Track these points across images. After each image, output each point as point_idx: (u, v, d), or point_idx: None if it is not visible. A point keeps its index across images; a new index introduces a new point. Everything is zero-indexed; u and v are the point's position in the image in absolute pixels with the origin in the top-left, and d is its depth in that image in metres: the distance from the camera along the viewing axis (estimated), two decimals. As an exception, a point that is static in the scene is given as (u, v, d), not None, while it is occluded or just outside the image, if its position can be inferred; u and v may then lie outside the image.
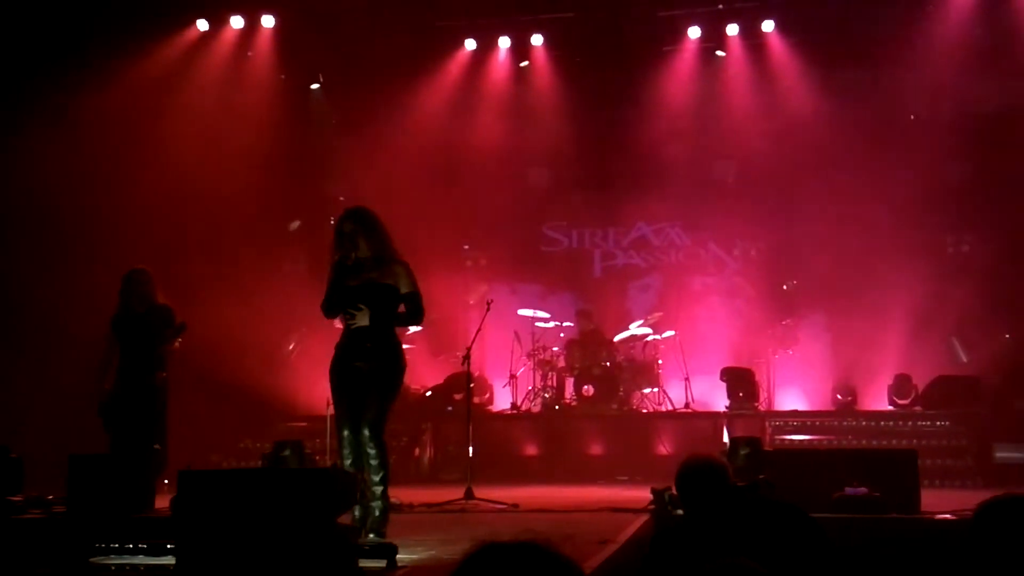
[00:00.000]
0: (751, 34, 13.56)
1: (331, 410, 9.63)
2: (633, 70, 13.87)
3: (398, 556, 5.61)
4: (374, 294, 6.41)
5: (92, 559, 5.84)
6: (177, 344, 8.39)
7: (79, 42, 11.65)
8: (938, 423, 11.45)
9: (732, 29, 13.52)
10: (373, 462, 6.32)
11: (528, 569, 2.02)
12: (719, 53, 13.75)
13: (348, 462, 6.34)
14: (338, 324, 6.73)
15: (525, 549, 2.04)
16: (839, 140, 13.17)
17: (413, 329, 6.63)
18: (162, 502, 7.35)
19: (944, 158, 12.90)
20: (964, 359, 12.83)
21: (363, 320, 6.37)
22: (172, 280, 9.04)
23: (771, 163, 13.72)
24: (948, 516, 7.32)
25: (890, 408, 12.10)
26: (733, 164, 14.25)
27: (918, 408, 11.88)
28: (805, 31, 13.34)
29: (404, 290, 6.46)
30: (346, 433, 6.39)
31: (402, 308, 6.51)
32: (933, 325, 12.59)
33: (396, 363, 6.48)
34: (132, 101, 12.34)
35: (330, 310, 6.54)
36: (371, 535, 6.20)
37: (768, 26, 13.41)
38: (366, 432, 6.32)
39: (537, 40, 13.91)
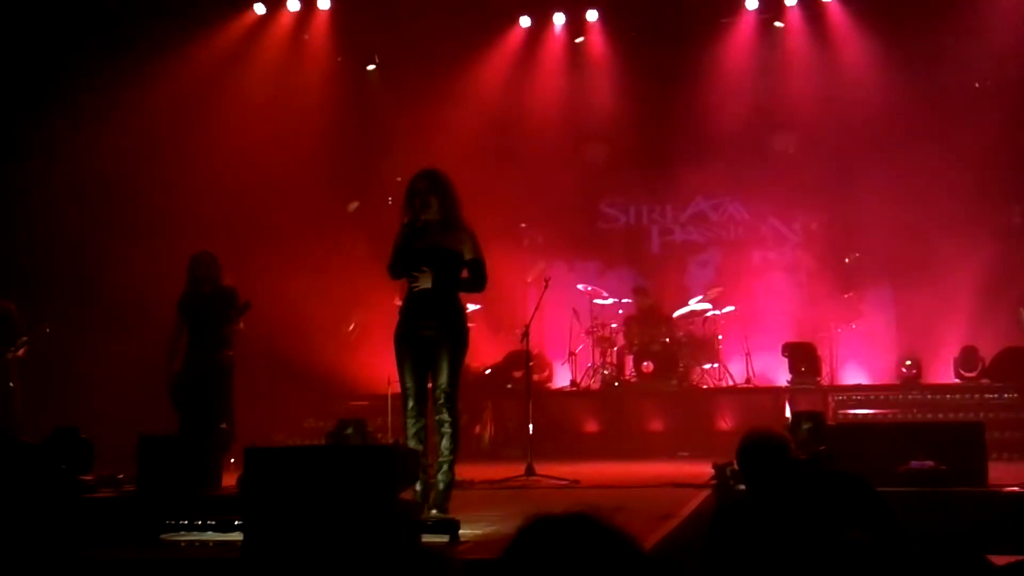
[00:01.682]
0: (810, 3, 13.36)
1: (392, 389, 9.76)
2: (689, 43, 13.73)
3: (460, 531, 5.66)
4: (439, 258, 6.41)
5: (162, 536, 5.97)
6: (242, 324, 8.56)
7: (142, 27, 11.83)
8: (1005, 395, 11.28)
9: (791, -1, 13.34)
10: (447, 429, 6.36)
11: (581, 541, 2.03)
12: (777, 24, 13.55)
13: (412, 433, 6.38)
14: (397, 301, 6.78)
15: (577, 521, 2.05)
16: (901, 110, 12.95)
17: (472, 308, 6.64)
18: (229, 480, 7.49)
19: (1009, 126, 12.64)
20: (1032, 330, 12.59)
21: (426, 283, 6.38)
22: (234, 261, 9.18)
23: (831, 135, 13.53)
24: (1016, 489, 7.22)
25: (956, 381, 11.92)
26: (793, 136, 14.06)
27: (985, 380, 11.69)
28: (866, -1, 13.11)
29: (468, 256, 6.46)
30: (411, 404, 6.42)
31: (465, 274, 6.54)
32: (999, 296, 12.38)
33: (460, 326, 6.48)
34: (193, 84, 12.52)
35: (396, 271, 6.53)
36: (433, 510, 6.26)
37: (829, -6, 13.19)
38: (441, 401, 6.36)
39: (592, 15, 13.83)
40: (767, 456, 4.23)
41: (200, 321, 8.45)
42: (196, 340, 8.46)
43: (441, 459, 6.42)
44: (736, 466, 7.65)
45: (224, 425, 8.29)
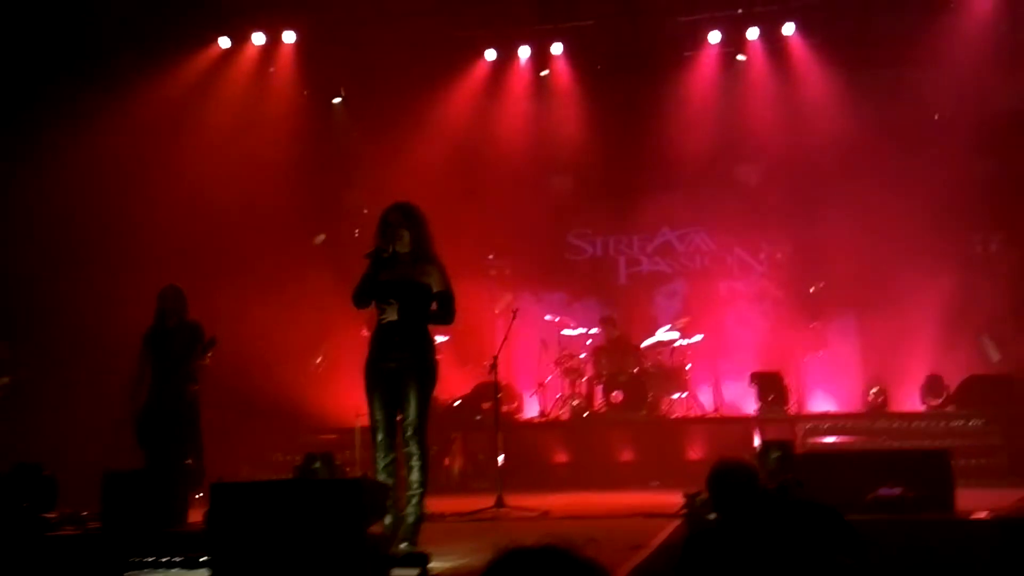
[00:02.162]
0: (772, 38, 13.52)
1: (360, 422, 9.71)
2: (654, 76, 13.87)
3: (430, 565, 5.62)
4: (406, 290, 6.43)
5: (127, 574, 5.88)
6: (208, 359, 8.53)
7: (104, 61, 11.77)
8: (971, 422, 11.36)
9: (752, 33, 13.49)
10: (415, 463, 6.35)
11: (552, 573, 2.02)
12: (740, 57, 13.72)
13: (383, 465, 6.35)
14: (364, 332, 6.77)
15: (548, 553, 2.05)
16: (863, 141, 13.11)
17: (440, 340, 6.67)
18: (196, 516, 7.40)
19: (969, 157, 12.82)
20: (995, 358, 12.73)
21: (392, 315, 6.40)
22: (199, 295, 9.12)
23: (795, 165, 13.68)
24: (983, 516, 7.26)
25: (922, 408, 12.01)
26: (757, 167, 14.21)
27: (950, 408, 11.79)
28: (826, 33, 13.30)
29: (436, 288, 6.50)
30: (380, 437, 6.41)
31: (434, 306, 6.54)
32: (963, 324, 12.52)
33: (428, 358, 6.50)
34: (157, 118, 12.46)
35: (360, 300, 6.54)
36: (403, 543, 6.22)
37: (788, 29, 13.37)
38: (409, 434, 6.35)
39: (557, 48, 13.92)
40: (736, 485, 4.25)
41: (164, 355, 8.47)
42: (160, 374, 8.48)
43: (410, 492, 6.40)
44: (706, 495, 7.69)
45: (191, 461, 8.21)
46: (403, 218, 6.52)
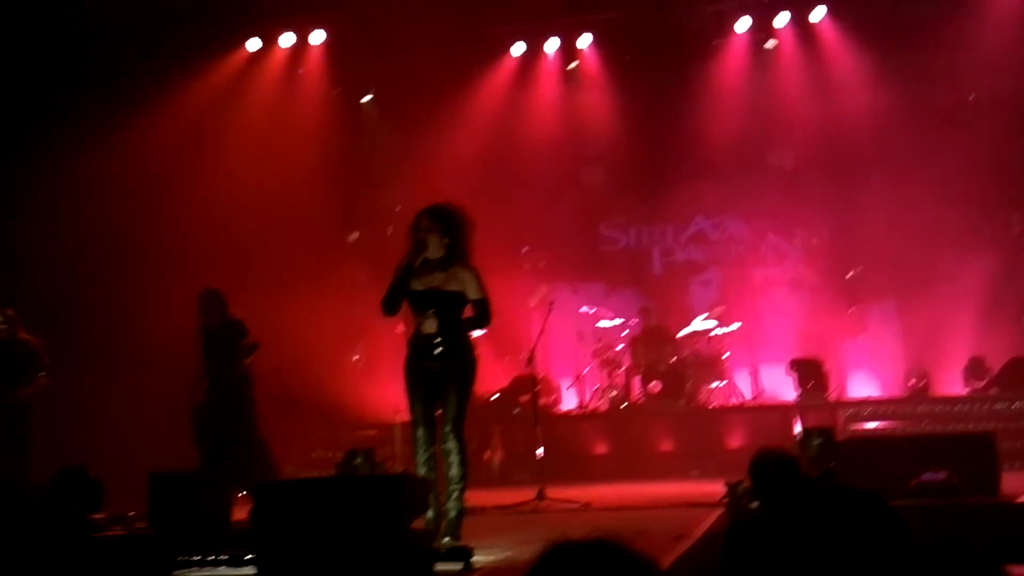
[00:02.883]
0: (801, 23, 13.40)
1: (400, 417, 9.77)
2: (683, 65, 13.79)
3: (473, 559, 5.64)
4: (442, 301, 6.42)
5: (174, 572, 5.94)
6: (247, 362, 8.66)
7: (135, 66, 11.88)
8: (1015, 404, 11.23)
9: (782, 19, 13.39)
10: (454, 458, 6.37)
11: (602, 567, 2.02)
12: (770, 44, 13.61)
13: (422, 461, 6.39)
14: (399, 329, 6.79)
15: (597, 547, 2.04)
16: (897, 124, 12.99)
17: (477, 333, 6.67)
18: (242, 514, 7.47)
19: (1006, 137, 12.66)
20: (1038, 338, 12.57)
21: (431, 327, 6.39)
22: (236, 296, 9.21)
23: (828, 150, 13.57)
24: (1030, 498, 7.19)
25: (965, 392, 11.90)
26: (789, 153, 14.10)
27: (993, 390, 11.66)
28: (856, 16, 13.15)
29: (472, 296, 6.47)
30: (420, 432, 6.44)
31: (469, 311, 6.54)
32: (1004, 305, 12.38)
33: (469, 360, 6.51)
34: (189, 121, 12.55)
35: (389, 308, 6.51)
36: (446, 538, 6.25)
37: (818, 14, 13.24)
38: (448, 429, 6.37)
39: (585, 41, 13.89)
40: (778, 474, 4.23)
41: (210, 355, 8.66)
42: (209, 374, 8.68)
43: (451, 487, 6.42)
44: (748, 484, 7.65)
45: (239, 459, 8.33)
46: (433, 222, 6.42)
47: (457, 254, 6.46)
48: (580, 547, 2.05)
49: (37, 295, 10.95)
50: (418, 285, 6.45)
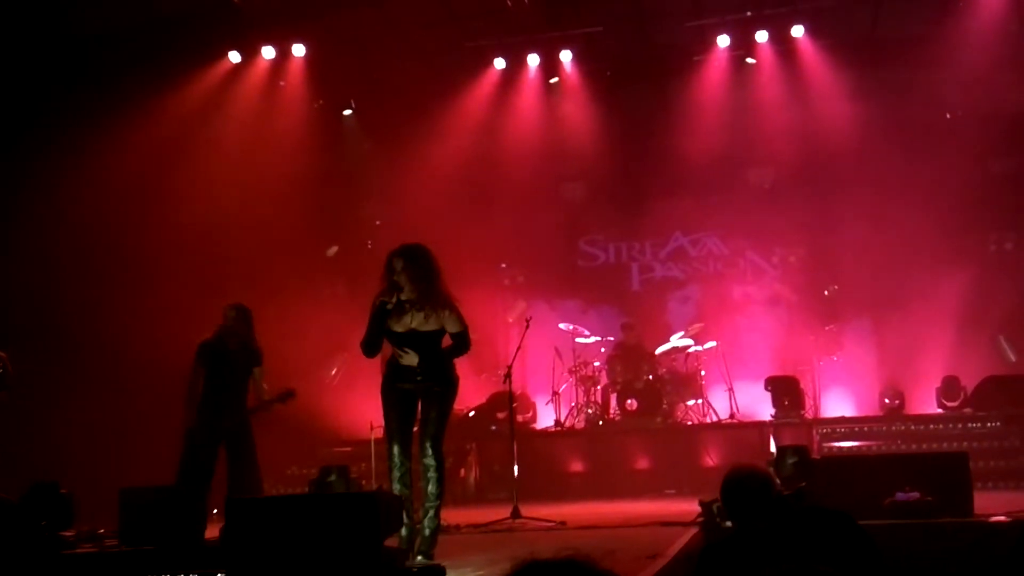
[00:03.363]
0: (781, 40, 13.48)
1: (375, 434, 9.72)
2: (664, 81, 13.87)
3: (446, 577, 5.62)
4: (420, 341, 6.47)
5: (144, 590, 5.90)
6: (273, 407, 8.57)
7: (115, 77, 11.83)
8: (988, 424, 11.27)
9: (762, 36, 13.46)
10: (432, 474, 6.37)
11: None
12: (749, 60, 13.69)
13: (397, 478, 6.37)
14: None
15: (566, 566, 2.04)
16: (875, 142, 13.08)
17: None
18: (213, 532, 7.41)
19: (982, 155, 12.80)
20: (1012, 358, 12.67)
21: (411, 361, 6.45)
22: (213, 309, 9.13)
23: (807, 168, 13.66)
24: (1002, 518, 7.21)
25: (939, 411, 11.94)
26: (769, 171, 14.18)
27: (968, 410, 11.71)
28: (835, 35, 13.26)
29: (451, 330, 6.53)
30: (396, 450, 6.42)
31: (447, 341, 6.56)
32: (980, 325, 12.47)
33: (449, 381, 6.54)
34: (169, 133, 12.51)
35: (369, 350, 6.57)
36: (419, 556, 6.22)
37: (798, 31, 13.32)
38: (428, 444, 6.37)
39: (566, 56, 13.93)
40: (750, 493, 4.22)
41: (225, 377, 8.33)
42: (220, 395, 8.32)
43: (427, 504, 6.41)
44: (722, 503, 7.65)
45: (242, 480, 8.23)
46: (405, 265, 6.45)
47: (431, 293, 6.49)
48: (550, 566, 2.04)
49: (11, 307, 10.88)
50: (397, 327, 6.49)
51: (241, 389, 8.46)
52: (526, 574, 2.05)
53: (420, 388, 6.46)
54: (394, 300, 6.43)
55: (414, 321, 6.48)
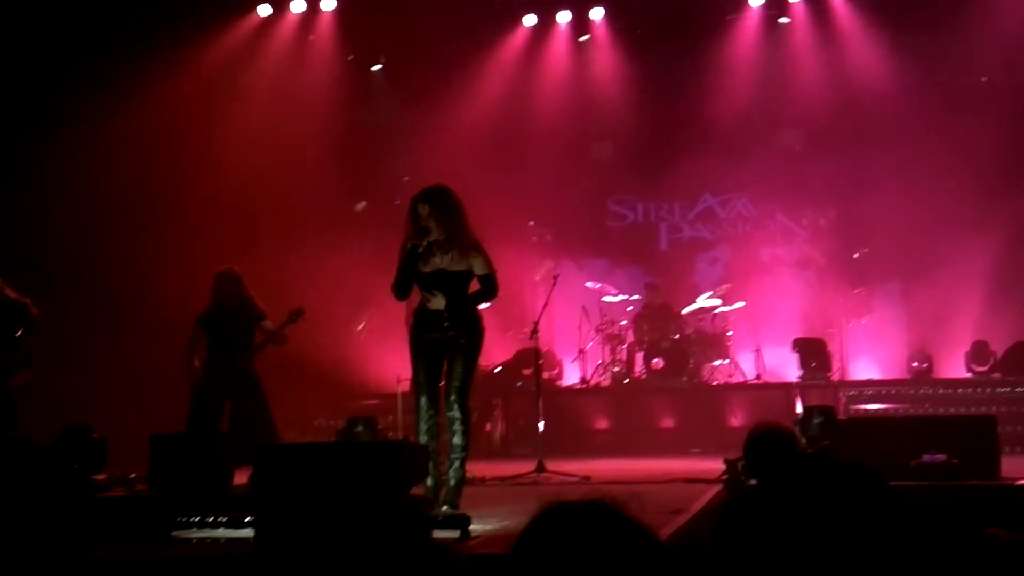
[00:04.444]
0: (815, -1, 13.33)
1: (402, 387, 9.78)
2: (695, 40, 13.71)
3: (471, 527, 5.67)
4: (449, 281, 6.47)
5: (174, 533, 5.98)
6: (287, 330, 8.73)
7: (145, 30, 11.85)
8: (1017, 389, 11.22)
9: (797, -6, 13.31)
10: (458, 427, 6.42)
11: (596, 528, 2.02)
12: (783, 20, 13.53)
13: (424, 430, 6.42)
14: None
15: (593, 508, 2.05)
16: (909, 105, 12.91)
17: (484, 305, 6.72)
18: (242, 478, 7.51)
19: (1017, 120, 12.58)
20: (1044, 323, 12.55)
21: (438, 304, 6.47)
22: (243, 262, 9.22)
23: (839, 130, 13.51)
24: (1029, 482, 7.20)
25: (968, 375, 11.88)
26: (800, 132, 14.03)
27: (996, 375, 11.65)
28: (871, -7, 13.08)
29: (479, 272, 6.53)
30: (423, 401, 6.47)
31: (475, 285, 6.57)
32: (1010, 289, 12.35)
33: (476, 331, 6.55)
34: (198, 87, 12.55)
35: (400, 292, 6.62)
36: (445, 506, 6.28)
37: (833, -11, 13.16)
38: (453, 398, 6.41)
39: (597, 13, 13.81)
40: (772, 449, 4.24)
41: (226, 336, 8.65)
42: (223, 354, 8.64)
43: (453, 456, 6.46)
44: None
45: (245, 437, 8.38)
46: (431, 210, 6.44)
47: (458, 234, 6.49)
48: (576, 508, 2.05)
49: (47, 257, 11.00)
50: (425, 267, 6.50)
51: (243, 344, 8.73)
52: (552, 516, 2.06)
53: (447, 338, 6.47)
54: (424, 244, 6.43)
55: (442, 262, 6.48)
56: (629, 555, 2.00)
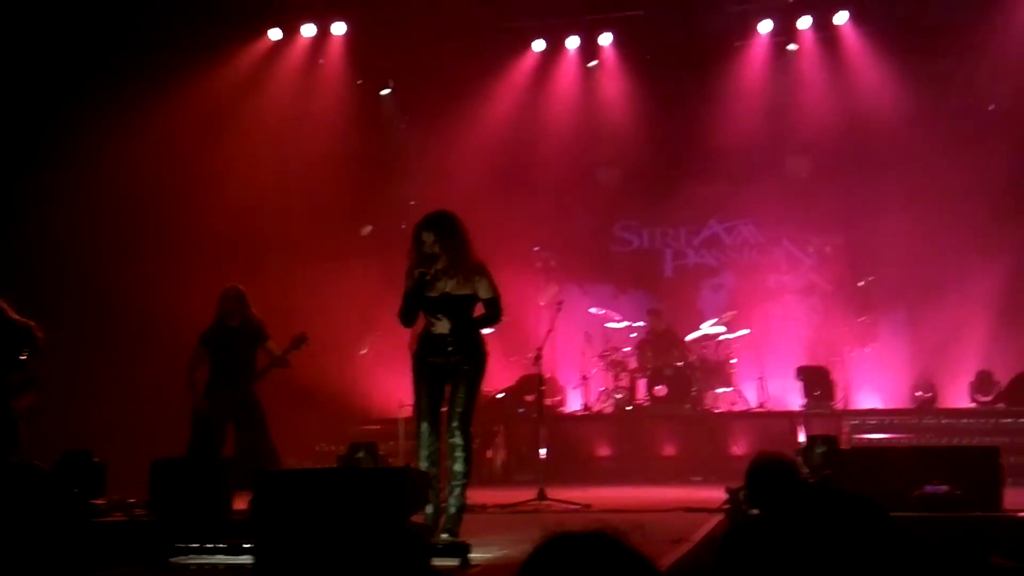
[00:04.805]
0: (824, 26, 13.37)
1: (404, 412, 9.76)
2: (704, 67, 13.76)
3: (470, 555, 5.64)
4: (454, 305, 6.47)
5: (172, 559, 5.96)
6: (290, 356, 8.76)
7: (157, 54, 11.92)
8: (1021, 420, 11.16)
9: (804, 22, 13.36)
10: (459, 453, 6.40)
11: (598, 560, 2.03)
12: (791, 47, 13.58)
13: (424, 456, 6.40)
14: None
15: (596, 539, 2.05)
16: (915, 132, 12.93)
17: (488, 330, 6.73)
18: (242, 504, 7.49)
19: (1023, 148, 12.59)
20: (1049, 355, 12.51)
21: (443, 328, 6.46)
22: (249, 284, 9.23)
23: (846, 158, 13.53)
24: (1032, 514, 7.15)
25: (971, 405, 11.84)
26: (807, 159, 14.05)
27: (1001, 405, 11.60)
28: (879, 22, 13.13)
29: (483, 296, 6.53)
30: (424, 427, 6.45)
31: (480, 310, 6.57)
32: (1015, 319, 12.33)
33: (479, 356, 6.54)
34: (209, 109, 12.61)
35: (407, 319, 6.62)
36: (444, 534, 6.25)
37: (841, 18, 13.21)
38: (455, 424, 6.39)
39: (606, 39, 13.87)
40: (775, 478, 4.21)
41: (228, 354, 8.68)
42: (224, 373, 8.68)
43: (454, 483, 6.43)
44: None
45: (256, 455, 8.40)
46: (436, 238, 6.46)
47: (463, 258, 6.51)
48: (579, 538, 2.06)
49: (50, 278, 11.01)
50: (430, 292, 6.50)
51: (246, 365, 8.78)
52: (555, 546, 2.07)
53: (451, 363, 6.46)
54: (433, 272, 6.44)
55: (447, 286, 6.48)
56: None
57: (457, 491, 6.42)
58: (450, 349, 6.45)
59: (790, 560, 3.83)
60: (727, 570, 3.99)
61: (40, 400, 8.15)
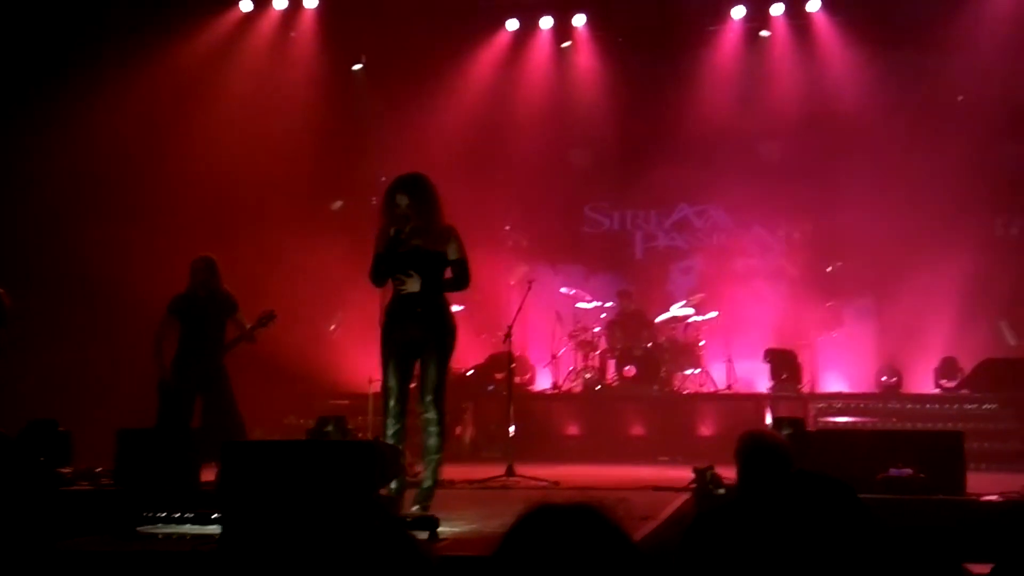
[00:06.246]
0: (796, 14, 13.41)
1: (373, 388, 9.74)
2: (676, 50, 13.77)
3: (439, 529, 5.65)
4: (423, 261, 6.44)
5: (139, 528, 5.92)
6: (257, 333, 8.70)
7: (125, 23, 11.78)
8: (984, 406, 11.32)
9: (777, 9, 13.39)
10: (433, 428, 6.40)
11: (581, 531, 2.02)
12: (763, 33, 13.61)
13: (392, 432, 6.39)
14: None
15: (579, 511, 2.05)
16: (885, 121, 13.02)
17: (455, 309, 6.71)
18: (210, 475, 7.46)
19: (992, 139, 12.74)
20: (1012, 342, 12.69)
21: (413, 286, 6.43)
22: (218, 258, 9.15)
23: (816, 144, 13.59)
24: (994, 498, 7.25)
25: (936, 391, 11.97)
26: (777, 145, 14.10)
27: (964, 391, 11.74)
28: (851, 11, 13.18)
29: (452, 256, 6.52)
30: (392, 403, 6.44)
31: (448, 273, 6.55)
32: (981, 308, 12.46)
33: (448, 327, 6.54)
34: (179, 80, 12.48)
35: (378, 278, 6.57)
36: (415, 507, 6.26)
37: (813, 6, 13.26)
38: (429, 399, 6.38)
39: (579, 20, 13.84)
40: (772, 463, 4.18)
41: (196, 325, 8.59)
42: (192, 343, 8.59)
43: (429, 457, 6.44)
44: (715, 471, 7.69)
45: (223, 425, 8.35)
46: (409, 199, 6.46)
47: (434, 220, 6.50)
48: (562, 510, 2.05)
49: (15, 248, 10.89)
50: (401, 248, 6.47)
51: (213, 337, 8.74)
52: (538, 517, 2.06)
53: (420, 332, 6.42)
54: (407, 230, 6.41)
55: (418, 242, 6.47)
56: (613, 559, 2.00)
57: (432, 466, 6.43)
58: (419, 311, 6.41)
59: (760, 541, 3.84)
60: (696, 549, 3.99)
61: (3, 368, 8.06)
